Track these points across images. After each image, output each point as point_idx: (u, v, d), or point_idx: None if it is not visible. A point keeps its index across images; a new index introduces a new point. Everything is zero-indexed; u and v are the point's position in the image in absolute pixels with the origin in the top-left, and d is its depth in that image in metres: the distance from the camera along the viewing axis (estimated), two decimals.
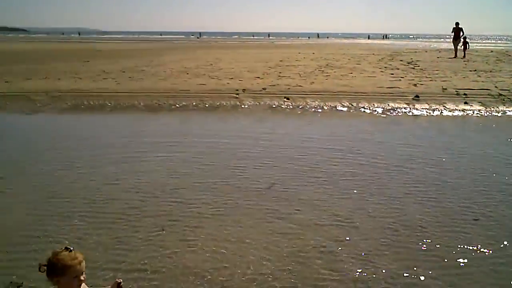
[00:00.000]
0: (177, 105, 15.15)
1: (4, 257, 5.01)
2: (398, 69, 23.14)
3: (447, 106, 14.87)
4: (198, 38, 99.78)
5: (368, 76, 20.19)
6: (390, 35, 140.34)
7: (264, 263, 4.86)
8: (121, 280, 3.42)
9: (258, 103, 15.35)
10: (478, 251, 5.17)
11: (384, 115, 14.17)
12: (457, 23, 30.33)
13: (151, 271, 4.69)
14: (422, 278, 4.62)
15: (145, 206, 6.48)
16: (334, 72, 21.84)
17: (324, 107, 15.05)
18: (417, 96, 15.63)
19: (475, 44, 49.52)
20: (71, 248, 3.22)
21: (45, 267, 3.17)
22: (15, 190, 7.16)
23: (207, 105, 15.13)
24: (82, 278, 3.24)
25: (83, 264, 3.25)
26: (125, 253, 5.08)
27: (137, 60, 28.12)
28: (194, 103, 15.29)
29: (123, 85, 17.75)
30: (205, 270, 4.73)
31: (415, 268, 4.79)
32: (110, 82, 18.40)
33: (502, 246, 5.30)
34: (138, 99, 15.65)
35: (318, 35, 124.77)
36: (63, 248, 3.20)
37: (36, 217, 6.12)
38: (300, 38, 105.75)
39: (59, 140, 10.73)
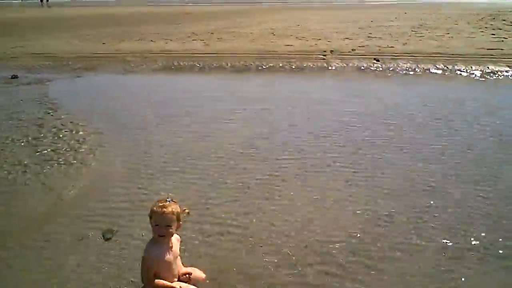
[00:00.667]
0: (264, 66, 15.11)
1: (102, 206, 5.35)
2: (500, 29, 21.21)
3: None
4: None
5: (467, 37, 18.73)
6: None
7: (350, 227, 4.75)
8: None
9: (346, 65, 14.87)
10: None
11: (483, 79, 13.12)
12: None
13: (235, 226, 4.78)
14: None
15: (233, 164, 6.57)
16: (429, 32, 20.53)
17: (416, 69, 14.24)
18: None
19: None
20: (168, 199, 3.38)
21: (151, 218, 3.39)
22: (113, 145, 7.61)
23: (293, 67, 14.94)
24: (164, 230, 3.35)
25: (170, 217, 3.35)
26: (211, 207, 5.21)
27: (225, 21, 28.38)
28: (280, 64, 15.16)
29: (211, 46, 18.04)
30: (289, 230, 4.73)
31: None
32: (198, 43, 18.78)
33: None
34: (226, 60, 15.80)
35: None
36: (164, 200, 3.39)
37: (131, 170, 6.46)
38: None
39: (152, 99, 11.19)
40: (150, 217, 3.37)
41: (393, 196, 5.42)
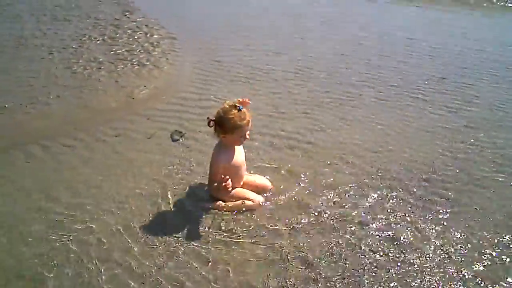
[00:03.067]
0: None
1: (172, 108, 5.32)
2: None
3: None
4: None
5: None
6: None
7: (422, 152, 4.41)
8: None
9: None
10: None
11: None
12: None
13: (304, 142, 4.59)
14: None
15: (306, 81, 6.28)
16: None
17: None
18: None
19: None
20: (240, 107, 3.18)
21: (214, 123, 3.22)
22: (186, 50, 7.51)
23: None
24: (247, 136, 3.26)
25: (250, 123, 3.23)
26: (282, 121, 5.03)
27: None
28: None
29: None
30: (357, 144, 4.48)
31: None
32: None
33: None
34: None
35: None
36: (233, 105, 3.19)
37: (201, 76, 6.35)
38: None
39: (229, 8, 10.88)
40: (230, 133, 3.23)
41: None
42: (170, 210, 3.47)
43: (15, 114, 5.12)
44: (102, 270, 2.87)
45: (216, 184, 3.29)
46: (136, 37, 8.07)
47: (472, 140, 4.68)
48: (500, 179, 4.00)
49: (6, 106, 5.28)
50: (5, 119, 4.99)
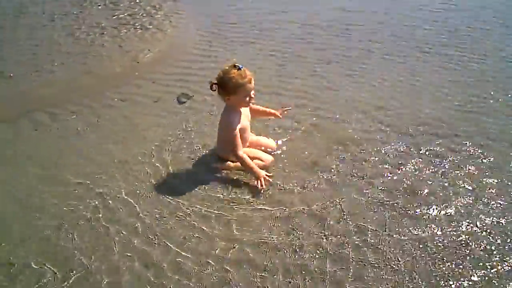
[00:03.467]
0: None
1: (177, 71, 5.25)
2: None
3: None
4: None
5: None
6: None
7: (432, 107, 4.33)
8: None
9: None
10: None
11: None
12: None
13: (312, 99, 4.51)
14: None
15: (313, 39, 6.14)
16: None
17: None
18: None
19: None
20: (240, 66, 3.12)
21: (216, 85, 3.16)
22: (189, 12, 7.35)
23: None
24: (252, 95, 3.21)
25: (253, 81, 3.17)
26: (289, 80, 4.94)
27: None
28: None
29: None
30: (366, 103, 4.40)
31: None
32: None
33: None
34: None
35: None
36: (232, 65, 3.13)
37: (206, 38, 6.24)
38: None
39: None
40: (232, 93, 3.17)
41: None
42: (177, 173, 3.45)
43: (20, 83, 5.09)
44: (111, 233, 2.88)
45: (239, 147, 3.25)
46: (137, 1, 7.89)
47: (484, 95, 4.57)
48: None
49: (11, 75, 5.25)
50: (10, 88, 4.97)
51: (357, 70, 5.17)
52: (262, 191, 3.18)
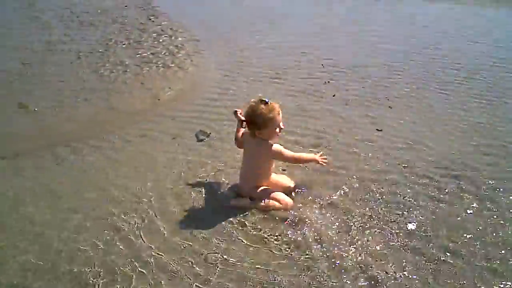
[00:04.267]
0: None
1: (197, 108, 5.34)
2: None
3: None
4: None
5: None
6: None
7: (452, 145, 4.28)
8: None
9: None
10: None
11: None
12: None
13: (329, 139, 4.51)
14: None
15: (332, 79, 6.22)
16: None
17: None
18: None
19: None
20: (267, 100, 3.19)
21: (246, 123, 3.24)
22: (210, 52, 7.56)
23: None
24: (282, 126, 3.28)
25: (280, 112, 3.25)
26: (307, 119, 4.97)
27: None
28: None
29: None
30: (383, 140, 4.38)
31: None
32: None
33: None
34: None
35: None
36: (259, 100, 3.19)
37: (226, 77, 6.37)
38: None
39: (250, 11, 10.91)
40: (263, 128, 3.23)
41: None
42: (194, 207, 3.45)
43: (44, 117, 5.22)
44: (130, 267, 2.88)
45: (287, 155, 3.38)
46: (160, 40, 8.16)
47: (507, 138, 4.53)
48: None
49: (36, 109, 5.40)
50: (34, 122, 5.10)
51: (374, 109, 5.19)
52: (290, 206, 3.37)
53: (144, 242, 3.11)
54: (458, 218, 3.30)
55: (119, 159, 4.27)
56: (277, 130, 3.30)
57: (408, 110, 5.20)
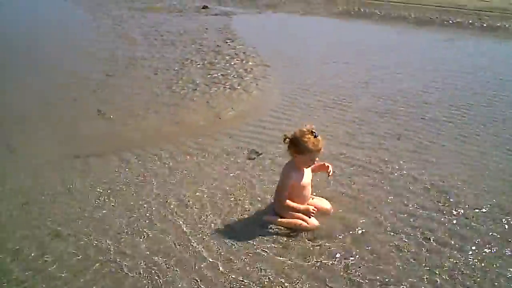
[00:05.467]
0: (450, 21, 13.75)
1: (254, 129, 5.67)
2: None
3: None
4: None
5: None
6: None
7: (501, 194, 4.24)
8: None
9: None
10: None
11: None
12: None
13: (376, 171, 4.63)
14: None
15: (389, 113, 6.31)
16: None
17: None
18: None
19: None
20: (316, 134, 3.43)
21: (289, 141, 3.49)
22: (276, 77, 7.93)
23: (485, 25, 13.30)
24: (315, 162, 3.56)
25: (321, 151, 3.50)
26: (357, 150, 5.11)
27: None
28: (470, 21, 13.62)
29: None
30: (426, 181, 4.42)
31: None
32: None
33: None
34: (410, 11, 14.83)
35: None
36: (310, 131, 3.43)
37: (286, 102, 6.67)
38: None
39: (321, 41, 11.21)
40: (300, 154, 3.48)
41: None
42: (236, 222, 3.74)
43: (116, 125, 5.80)
44: (176, 274, 3.20)
45: (283, 199, 3.55)
46: (232, 63, 8.66)
47: None
48: None
49: (111, 117, 6.00)
50: (107, 129, 5.69)
51: (425, 147, 5.21)
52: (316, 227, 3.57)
53: (186, 249, 3.43)
54: None
55: (176, 168, 4.67)
56: (310, 163, 3.56)
57: (461, 150, 5.19)
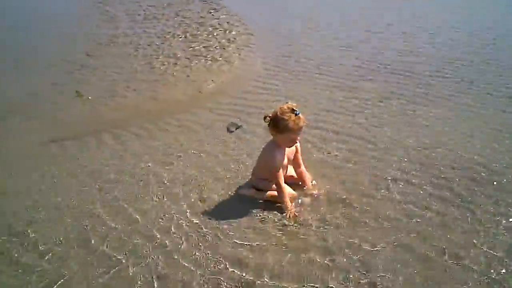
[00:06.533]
0: None
1: (234, 101, 5.56)
2: None
3: None
4: None
5: None
6: None
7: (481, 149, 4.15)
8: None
9: None
10: None
11: None
12: None
13: (355, 137, 4.54)
14: None
15: (374, 76, 6.19)
16: None
17: None
18: None
19: None
20: (298, 112, 3.28)
21: (269, 120, 3.36)
22: (259, 46, 7.76)
23: None
24: (296, 141, 3.42)
25: (302, 130, 3.35)
26: (338, 116, 5.02)
27: None
28: None
29: None
30: (409, 141, 4.34)
31: None
32: None
33: None
34: None
35: None
36: (291, 109, 3.29)
37: (269, 72, 6.54)
38: None
39: (306, 11, 10.95)
40: (280, 132, 3.35)
41: None
42: (214, 197, 3.66)
43: (95, 106, 5.69)
44: (150, 247, 3.15)
45: (281, 180, 3.42)
46: (215, 34, 8.48)
47: None
48: None
49: (90, 98, 5.89)
50: (85, 110, 5.59)
51: (409, 109, 5.12)
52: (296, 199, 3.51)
53: (164, 225, 3.38)
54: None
55: (154, 146, 4.58)
56: (290, 143, 3.40)
57: (444, 110, 5.08)
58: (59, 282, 2.87)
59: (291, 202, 3.48)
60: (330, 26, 8.90)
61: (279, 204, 3.47)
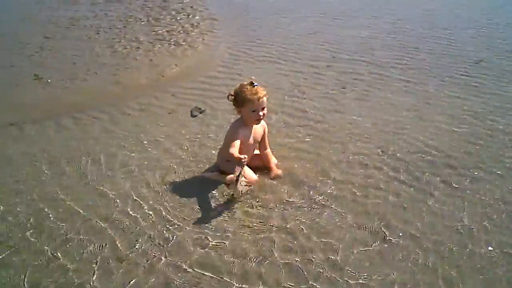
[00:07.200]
0: None
1: (198, 86, 5.55)
2: None
3: None
4: None
5: None
6: None
7: (435, 134, 4.32)
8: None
9: None
10: None
11: None
12: None
13: (317, 121, 4.63)
14: None
15: (335, 62, 6.29)
16: None
17: None
18: None
19: None
20: (255, 84, 3.35)
21: (232, 97, 3.41)
22: (223, 31, 7.73)
23: None
24: (260, 113, 3.41)
25: (264, 100, 3.40)
26: (301, 101, 5.09)
27: None
28: None
29: None
30: (368, 125, 4.47)
31: None
32: None
33: None
34: None
35: None
36: (249, 82, 3.37)
37: (233, 56, 6.54)
38: None
39: None
40: (241, 106, 3.40)
41: None
42: (177, 180, 3.66)
43: (55, 89, 5.56)
44: (108, 229, 3.13)
45: (233, 155, 3.35)
46: (178, 18, 8.39)
47: (493, 127, 4.51)
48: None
49: (49, 81, 5.74)
50: (45, 93, 5.45)
51: (370, 95, 5.24)
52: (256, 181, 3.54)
53: (127, 209, 3.35)
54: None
55: (115, 130, 4.53)
56: (254, 115, 3.41)
57: (403, 96, 5.23)
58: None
59: (253, 185, 3.53)
60: (297, 12, 8.93)
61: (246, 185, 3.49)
